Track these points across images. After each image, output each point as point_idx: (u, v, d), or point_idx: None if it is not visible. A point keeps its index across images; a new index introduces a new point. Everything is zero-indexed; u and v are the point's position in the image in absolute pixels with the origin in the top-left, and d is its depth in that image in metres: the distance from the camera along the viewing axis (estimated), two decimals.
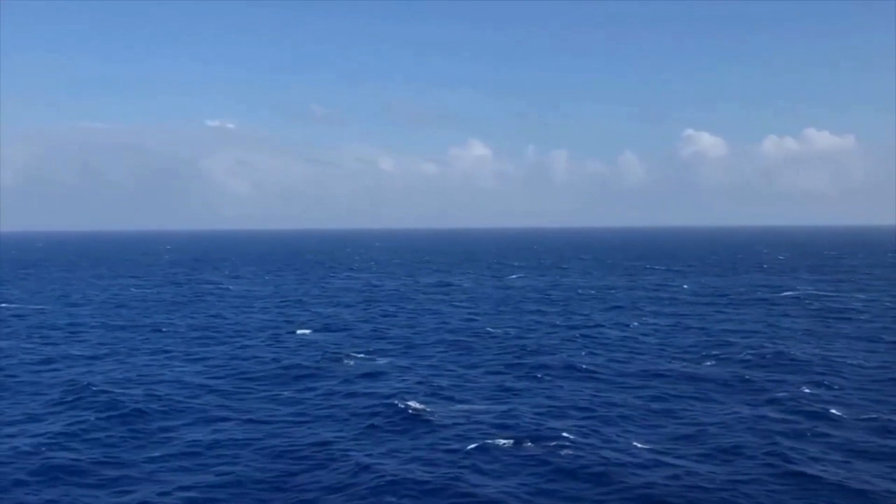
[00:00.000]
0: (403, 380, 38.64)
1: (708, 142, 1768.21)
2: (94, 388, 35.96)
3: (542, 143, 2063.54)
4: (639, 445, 27.32)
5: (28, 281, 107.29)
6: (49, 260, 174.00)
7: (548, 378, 38.83)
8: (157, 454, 27.17)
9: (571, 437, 27.97)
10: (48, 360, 44.68)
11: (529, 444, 27.50)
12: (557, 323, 59.63)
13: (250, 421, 31.40)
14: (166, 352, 48.27)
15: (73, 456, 26.69)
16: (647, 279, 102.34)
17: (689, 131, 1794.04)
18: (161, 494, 23.38)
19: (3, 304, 74.72)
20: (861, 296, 76.30)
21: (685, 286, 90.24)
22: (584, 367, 41.22)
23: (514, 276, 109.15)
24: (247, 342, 51.47)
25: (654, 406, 33.03)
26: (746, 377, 37.97)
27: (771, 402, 33.23)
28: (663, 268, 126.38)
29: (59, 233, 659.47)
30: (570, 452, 26.37)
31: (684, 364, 41.88)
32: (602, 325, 57.49)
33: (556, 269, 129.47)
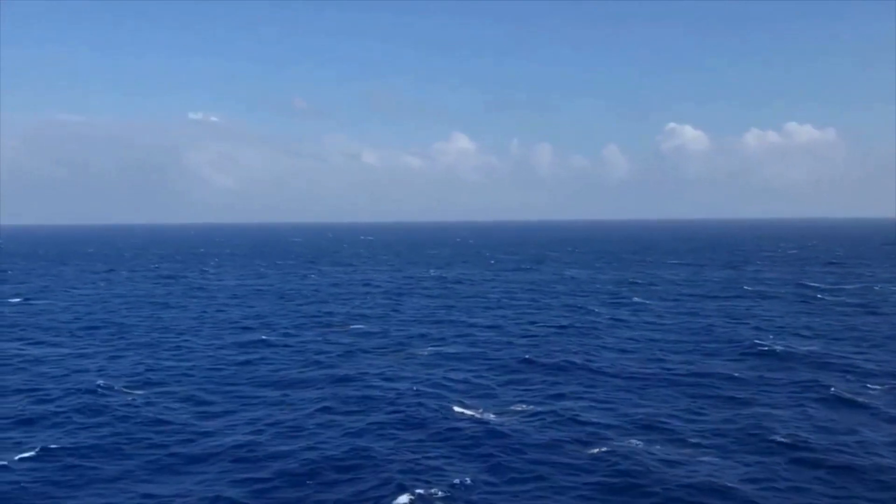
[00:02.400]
0: None
1: (690, 135, 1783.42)
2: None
3: (527, 138, 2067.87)
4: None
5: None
6: (141, 255, 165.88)
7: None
8: None
9: None
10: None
11: None
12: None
13: None
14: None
15: None
16: (676, 272, 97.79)
17: (672, 125, 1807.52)
18: None
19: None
20: None
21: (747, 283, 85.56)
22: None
23: (572, 272, 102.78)
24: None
25: None
26: None
27: None
28: (680, 261, 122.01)
29: (42, 227, 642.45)
30: None
31: None
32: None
33: (589, 262, 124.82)
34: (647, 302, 65.23)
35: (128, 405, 31.91)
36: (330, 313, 60.74)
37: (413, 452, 25.56)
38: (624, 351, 43.03)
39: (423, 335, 49.19)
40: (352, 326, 53.33)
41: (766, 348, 42.11)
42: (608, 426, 28.34)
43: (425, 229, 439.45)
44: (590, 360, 40.20)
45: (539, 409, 30.83)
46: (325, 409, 31.29)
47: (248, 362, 40.92)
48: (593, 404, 31.62)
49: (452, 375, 37.10)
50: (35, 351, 44.53)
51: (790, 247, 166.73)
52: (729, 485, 22.31)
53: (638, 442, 26.43)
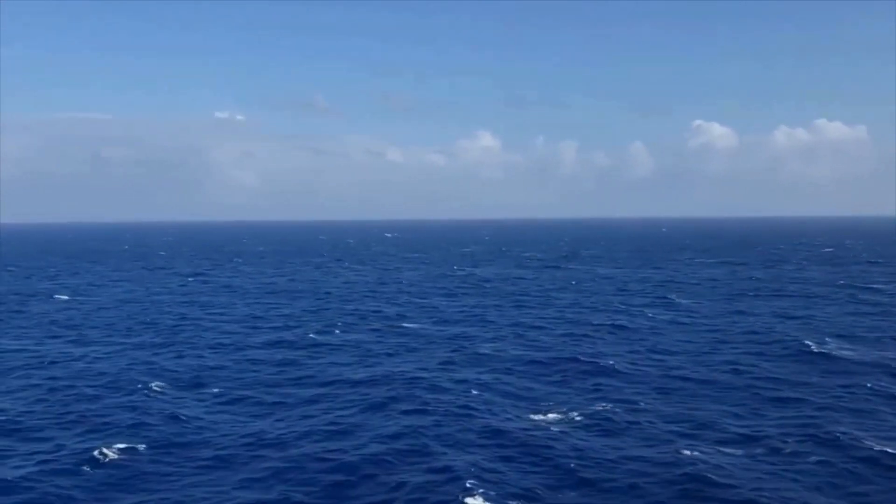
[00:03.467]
0: None
1: (718, 132, 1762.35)
2: None
3: (550, 135, 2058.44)
4: None
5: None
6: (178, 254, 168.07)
7: None
8: None
9: None
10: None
11: None
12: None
13: None
14: None
15: None
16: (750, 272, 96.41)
17: (699, 122, 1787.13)
18: None
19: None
20: None
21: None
22: None
23: (606, 270, 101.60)
24: None
25: None
26: None
27: None
28: (716, 259, 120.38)
29: (63, 224, 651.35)
30: None
31: None
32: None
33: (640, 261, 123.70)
34: (692, 301, 64.27)
35: (181, 404, 31.95)
36: (377, 311, 60.66)
37: (474, 454, 25.29)
38: (676, 352, 42.31)
39: (470, 335, 48.78)
40: (401, 325, 53.16)
41: (823, 350, 41.24)
42: (671, 431, 27.74)
43: (449, 227, 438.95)
44: (643, 362, 39.68)
45: (597, 411, 30.39)
46: (381, 406, 31.17)
47: (298, 361, 40.87)
48: (650, 407, 31.06)
49: (506, 377, 36.72)
50: (80, 350, 44.86)
51: (826, 245, 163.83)
52: (796, 491, 21.85)
53: (704, 447, 25.85)
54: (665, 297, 67.62)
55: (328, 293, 74.86)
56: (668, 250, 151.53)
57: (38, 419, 29.93)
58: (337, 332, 50.62)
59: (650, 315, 56.59)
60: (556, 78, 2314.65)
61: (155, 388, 34.42)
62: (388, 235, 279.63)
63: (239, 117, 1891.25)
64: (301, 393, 34.07)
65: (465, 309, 61.90)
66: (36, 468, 24.49)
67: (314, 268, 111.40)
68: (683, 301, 64.77)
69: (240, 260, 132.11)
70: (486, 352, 42.86)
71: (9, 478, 23.60)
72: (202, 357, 42.42)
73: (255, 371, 38.69)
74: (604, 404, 31.33)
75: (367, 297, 71.71)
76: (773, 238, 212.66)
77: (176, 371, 38.61)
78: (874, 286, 74.44)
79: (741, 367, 37.61)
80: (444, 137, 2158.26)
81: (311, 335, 48.84)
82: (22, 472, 24.18)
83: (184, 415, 30.28)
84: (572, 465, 24.29)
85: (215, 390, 34.60)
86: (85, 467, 24.54)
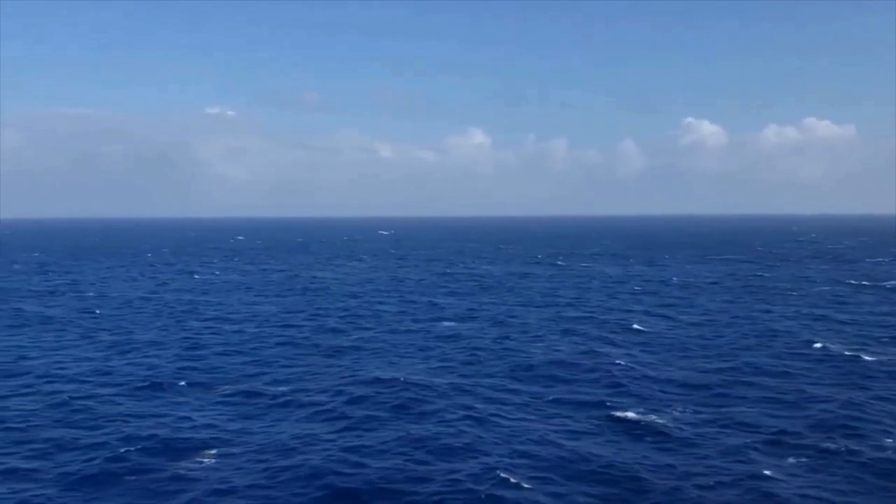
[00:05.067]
0: None
1: (708, 130, 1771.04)
2: None
3: (540, 133, 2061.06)
4: None
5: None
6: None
7: None
8: None
9: None
10: None
11: None
12: None
13: None
14: None
15: None
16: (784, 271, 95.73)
17: (689, 119, 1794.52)
18: None
19: None
20: None
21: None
22: None
23: (639, 268, 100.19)
24: None
25: None
26: None
27: None
28: (736, 257, 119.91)
29: (51, 220, 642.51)
30: None
31: None
32: None
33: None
34: (708, 299, 63.67)
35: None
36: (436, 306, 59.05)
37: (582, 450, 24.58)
38: (752, 347, 41.86)
39: (537, 336, 47.26)
40: (441, 324, 51.91)
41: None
42: (783, 430, 26.96)
43: (441, 224, 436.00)
44: (732, 360, 38.84)
45: (687, 409, 29.77)
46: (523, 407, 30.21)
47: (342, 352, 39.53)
48: (755, 409, 30.03)
49: (597, 377, 35.64)
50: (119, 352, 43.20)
51: (839, 242, 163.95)
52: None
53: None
54: (711, 294, 66.97)
55: (353, 294, 73.51)
56: (676, 247, 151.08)
57: None
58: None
59: (706, 310, 55.99)
60: (548, 75, 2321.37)
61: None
62: (384, 233, 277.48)
63: (229, 113, 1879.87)
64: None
65: (512, 307, 60.78)
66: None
67: (325, 265, 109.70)
68: (727, 297, 64.07)
69: (272, 261, 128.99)
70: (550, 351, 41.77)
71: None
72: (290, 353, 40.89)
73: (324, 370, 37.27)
74: (697, 403, 30.47)
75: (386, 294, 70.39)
76: (777, 236, 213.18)
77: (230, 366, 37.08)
78: None
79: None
80: (434, 134, 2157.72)
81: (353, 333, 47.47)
82: None
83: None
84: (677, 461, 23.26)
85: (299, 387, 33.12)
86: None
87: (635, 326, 49.94)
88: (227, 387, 33.95)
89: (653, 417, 28.85)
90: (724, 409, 29.84)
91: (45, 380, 35.25)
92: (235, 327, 50.64)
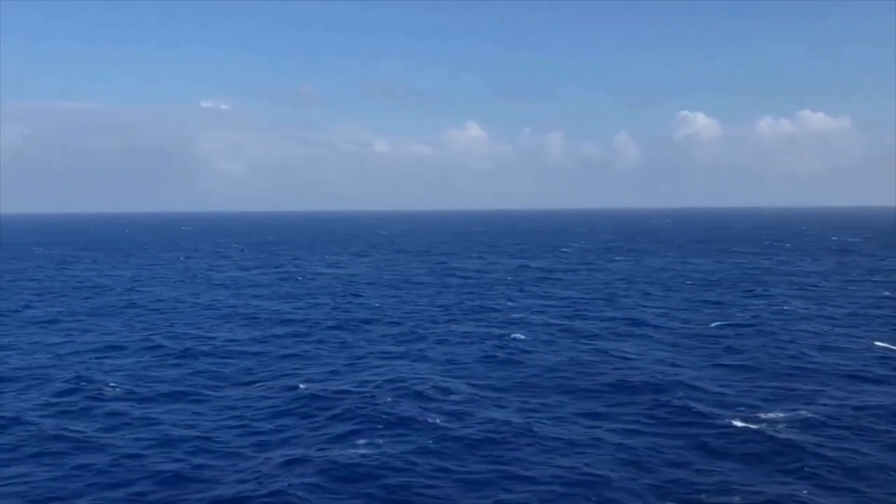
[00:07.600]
0: None
1: (703, 123, 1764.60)
2: None
3: (537, 126, 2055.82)
4: None
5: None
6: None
7: None
8: None
9: None
10: None
11: None
12: None
13: None
14: None
15: None
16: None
17: (685, 112, 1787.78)
18: None
19: None
20: None
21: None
22: None
23: (697, 262, 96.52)
24: None
25: None
26: None
27: None
28: (773, 249, 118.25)
29: (47, 215, 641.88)
30: None
31: None
32: None
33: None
34: (793, 293, 62.17)
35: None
36: (486, 308, 57.02)
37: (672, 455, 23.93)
38: (823, 347, 40.33)
39: (604, 336, 45.48)
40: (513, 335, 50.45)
41: None
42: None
43: (441, 218, 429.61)
44: (799, 358, 37.50)
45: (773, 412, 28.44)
46: (592, 416, 28.68)
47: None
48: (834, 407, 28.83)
49: (679, 377, 34.16)
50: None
51: (857, 235, 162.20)
52: None
53: None
54: (762, 290, 65.39)
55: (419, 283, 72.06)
56: (699, 240, 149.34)
57: None
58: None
59: (763, 306, 54.57)
60: (543, 69, 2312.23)
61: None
62: (383, 232, 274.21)
63: (224, 107, 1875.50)
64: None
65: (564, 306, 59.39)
66: None
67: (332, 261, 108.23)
68: (780, 291, 62.52)
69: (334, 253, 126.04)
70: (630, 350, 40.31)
71: None
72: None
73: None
74: (782, 404, 29.02)
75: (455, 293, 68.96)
76: (790, 228, 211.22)
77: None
78: None
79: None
80: (431, 128, 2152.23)
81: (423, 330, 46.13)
82: None
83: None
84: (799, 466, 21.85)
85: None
86: None
87: (735, 321, 48.82)
88: None
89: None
90: None
91: None
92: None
